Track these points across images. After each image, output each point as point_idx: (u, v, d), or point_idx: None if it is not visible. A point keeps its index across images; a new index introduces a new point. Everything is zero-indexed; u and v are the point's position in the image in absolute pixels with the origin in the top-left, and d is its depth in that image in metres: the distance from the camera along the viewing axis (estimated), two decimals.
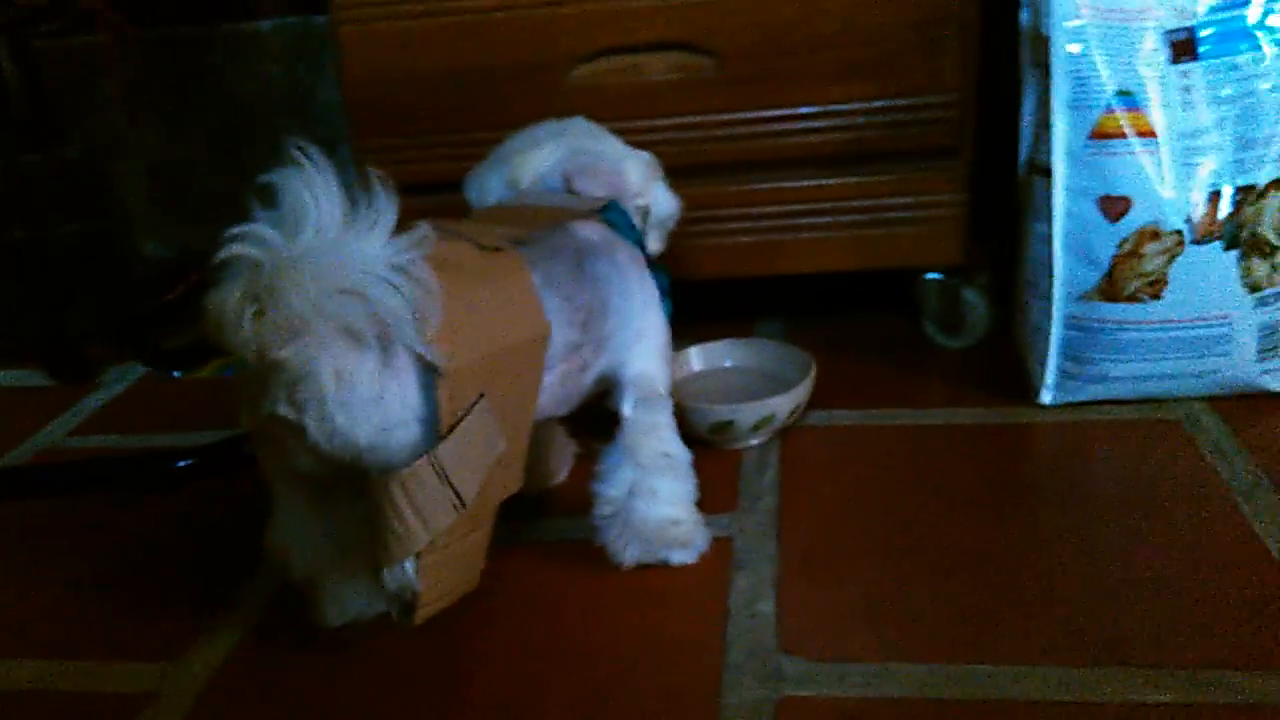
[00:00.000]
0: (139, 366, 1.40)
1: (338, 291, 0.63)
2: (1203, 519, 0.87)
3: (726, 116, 1.17)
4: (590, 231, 0.85)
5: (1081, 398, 1.08)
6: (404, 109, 1.19)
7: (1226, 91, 0.98)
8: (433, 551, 0.70)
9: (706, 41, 1.14)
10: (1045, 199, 1.05)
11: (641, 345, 0.85)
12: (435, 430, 0.69)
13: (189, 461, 1.08)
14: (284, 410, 0.67)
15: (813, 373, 1.07)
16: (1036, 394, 1.10)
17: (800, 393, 1.05)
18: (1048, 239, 1.06)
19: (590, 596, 0.84)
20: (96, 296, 1.48)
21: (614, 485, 0.85)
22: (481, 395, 0.71)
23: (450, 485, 0.71)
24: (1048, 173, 1.04)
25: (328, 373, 0.66)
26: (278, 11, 1.64)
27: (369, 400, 0.68)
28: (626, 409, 0.84)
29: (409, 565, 0.71)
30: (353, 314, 0.64)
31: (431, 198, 1.17)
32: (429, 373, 0.68)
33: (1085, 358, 1.06)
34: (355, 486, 0.72)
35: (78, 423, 1.28)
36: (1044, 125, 1.06)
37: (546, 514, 0.97)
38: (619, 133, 1.14)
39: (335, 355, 0.66)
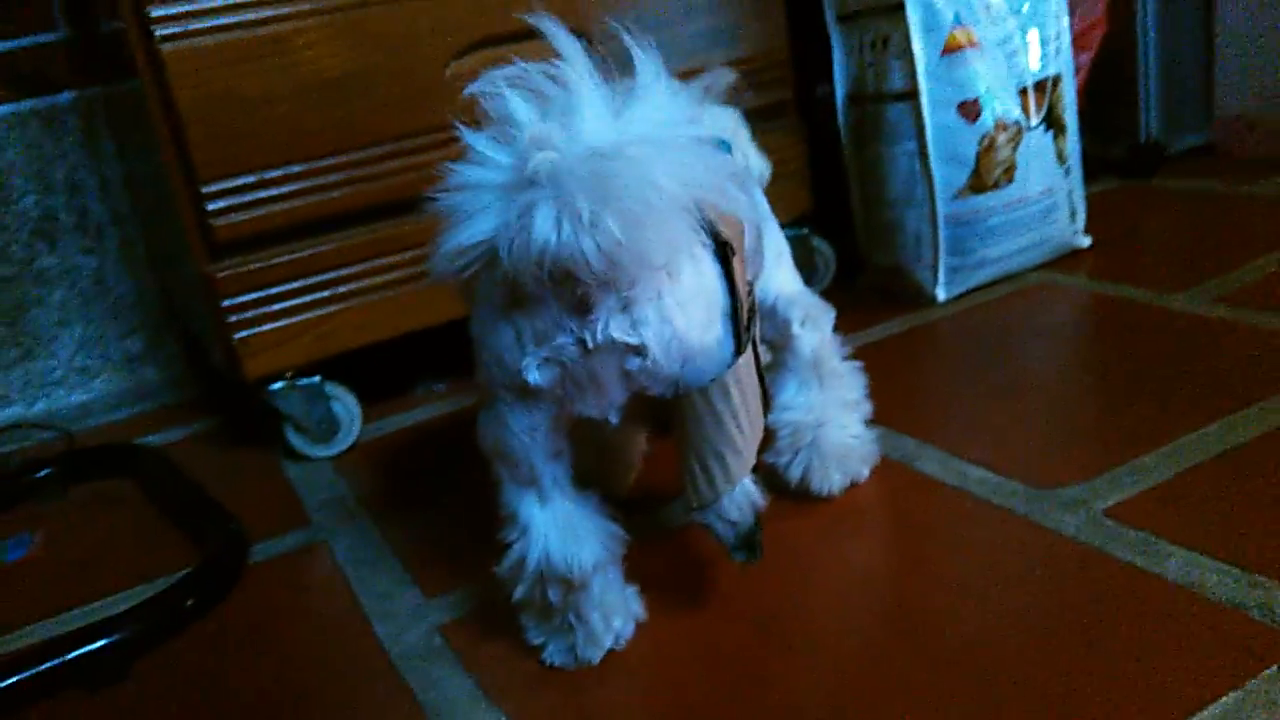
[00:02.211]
0: None
1: (654, 184, 0.53)
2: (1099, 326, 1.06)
3: None
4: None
5: (967, 286, 1.23)
6: (254, 139, 0.97)
7: (1021, 5, 1.19)
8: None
9: (577, 25, 1.10)
10: (904, 119, 1.19)
11: (784, 265, 0.81)
12: (732, 320, 0.61)
13: None
14: (617, 331, 0.56)
15: None
16: (930, 294, 1.22)
17: None
18: (915, 153, 1.19)
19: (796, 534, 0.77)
20: None
21: (802, 411, 0.79)
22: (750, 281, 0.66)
23: (761, 378, 0.64)
24: (899, 98, 1.19)
25: (662, 276, 0.57)
26: None
27: (693, 297, 0.59)
28: (795, 328, 0.79)
29: (750, 483, 0.62)
30: (671, 206, 0.54)
31: (300, 244, 0.98)
32: (722, 258, 0.60)
33: (967, 249, 1.21)
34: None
35: None
36: (869, 65, 1.21)
37: (659, 504, 0.86)
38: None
39: (665, 254, 0.55)
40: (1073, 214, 1.28)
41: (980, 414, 0.91)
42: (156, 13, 0.91)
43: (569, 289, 0.55)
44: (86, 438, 1.27)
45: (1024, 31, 1.19)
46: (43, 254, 1.33)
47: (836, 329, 0.81)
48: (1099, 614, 0.63)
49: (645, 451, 0.88)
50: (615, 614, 0.67)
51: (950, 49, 1.16)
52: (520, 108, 0.55)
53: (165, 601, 0.78)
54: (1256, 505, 0.71)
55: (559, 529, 0.63)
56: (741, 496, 0.63)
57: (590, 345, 0.56)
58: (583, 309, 0.56)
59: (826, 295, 0.83)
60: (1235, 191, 1.43)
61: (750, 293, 0.64)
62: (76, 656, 0.70)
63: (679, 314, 0.57)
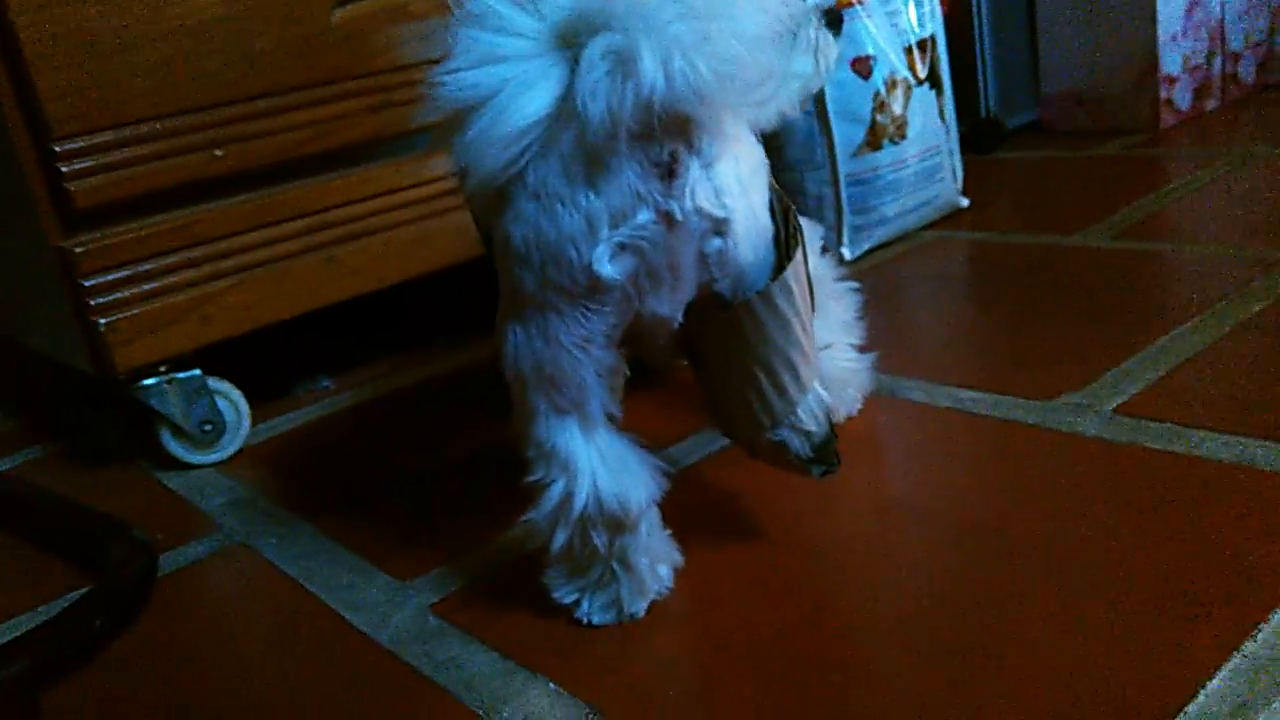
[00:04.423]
0: None
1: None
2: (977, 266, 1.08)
3: None
4: None
5: (869, 245, 1.23)
6: (117, 89, 0.82)
7: None
8: None
9: None
10: None
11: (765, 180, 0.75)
12: (772, 214, 0.56)
13: None
14: (704, 199, 0.50)
15: None
16: (836, 253, 1.21)
17: None
18: (814, 113, 1.18)
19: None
20: None
21: None
22: None
23: (809, 279, 0.60)
24: None
25: (733, 140, 0.52)
26: None
27: (756, 170, 0.55)
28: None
29: (819, 387, 0.56)
30: (770, 28, 0.48)
31: (175, 212, 0.85)
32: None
33: (868, 207, 1.21)
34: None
35: None
36: None
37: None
38: (384, 89, 0.96)
39: (768, 88, 0.49)
40: (954, 173, 1.31)
41: (941, 349, 0.89)
42: None
43: (657, 147, 0.48)
44: None
45: None
46: None
47: None
48: (1163, 501, 0.60)
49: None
50: (660, 560, 0.59)
51: (842, 5, 1.15)
52: None
53: (69, 622, 0.62)
54: (1268, 384, 0.71)
55: (606, 463, 0.55)
56: (815, 403, 0.57)
57: (678, 216, 0.49)
58: (668, 172, 0.48)
59: None
60: (1080, 156, 1.51)
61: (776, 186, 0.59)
62: None
63: (752, 183, 0.52)
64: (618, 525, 0.54)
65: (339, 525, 0.76)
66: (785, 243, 0.56)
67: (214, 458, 0.93)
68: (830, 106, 1.17)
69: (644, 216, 0.49)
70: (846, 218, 1.20)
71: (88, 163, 0.82)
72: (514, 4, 0.48)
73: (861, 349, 0.77)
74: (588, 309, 0.52)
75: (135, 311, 0.85)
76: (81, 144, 0.81)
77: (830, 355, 0.74)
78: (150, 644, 0.64)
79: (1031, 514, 0.61)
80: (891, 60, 1.18)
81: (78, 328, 0.85)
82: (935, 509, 0.64)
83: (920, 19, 1.22)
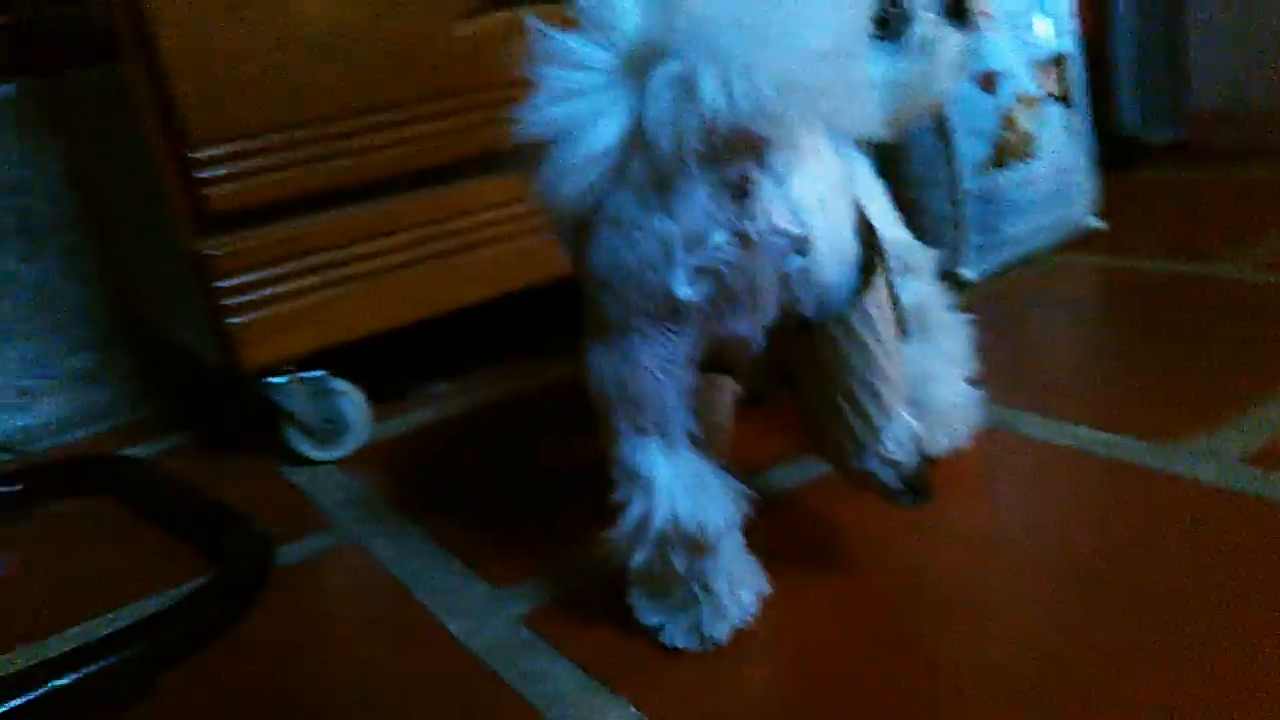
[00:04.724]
0: None
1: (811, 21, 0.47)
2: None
3: None
4: None
5: (992, 265, 1.19)
6: (248, 100, 0.87)
7: None
8: None
9: None
10: None
11: (878, 202, 0.74)
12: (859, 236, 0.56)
13: None
14: (780, 218, 0.50)
15: None
16: (957, 274, 1.17)
17: None
18: (936, 129, 1.15)
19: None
20: None
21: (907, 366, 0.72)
22: None
23: (897, 302, 0.59)
24: None
25: (811, 153, 0.52)
26: None
27: (837, 185, 0.54)
28: (893, 276, 0.72)
29: (907, 415, 0.56)
30: (836, 45, 0.48)
31: (299, 220, 0.89)
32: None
33: (992, 227, 1.17)
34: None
35: None
36: None
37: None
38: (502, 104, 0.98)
39: (834, 101, 0.49)
40: (1087, 194, 1.25)
41: (1062, 381, 0.86)
42: None
43: (728, 168, 0.48)
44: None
45: (1033, 7, 1.17)
46: None
47: None
48: None
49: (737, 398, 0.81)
50: (742, 585, 0.58)
51: None
52: None
53: (191, 608, 0.66)
54: None
55: (685, 485, 0.55)
56: (902, 431, 0.56)
57: (754, 236, 0.49)
58: (741, 192, 0.49)
59: None
60: (1227, 178, 1.43)
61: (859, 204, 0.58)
62: (97, 670, 0.58)
63: (833, 199, 0.51)
64: (695, 546, 0.55)
65: (444, 528, 0.78)
66: (867, 264, 0.55)
67: (335, 455, 0.97)
68: (953, 121, 1.14)
69: (719, 238, 0.49)
70: (969, 237, 1.17)
71: (221, 170, 0.86)
72: (587, 38, 0.49)
73: (980, 378, 0.75)
74: (668, 331, 0.52)
75: (261, 314, 0.90)
76: (216, 152, 0.86)
77: (937, 387, 0.72)
78: (262, 635, 0.67)
79: (1141, 565, 0.58)
80: (1020, 75, 1.15)
81: (209, 326, 0.90)
82: (1038, 550, 0.61)
83: (1052, 33, 1.18)
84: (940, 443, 0.73)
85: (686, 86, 0.45)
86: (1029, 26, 1.16)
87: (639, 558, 0.56)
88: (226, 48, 0.85)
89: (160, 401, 1.27)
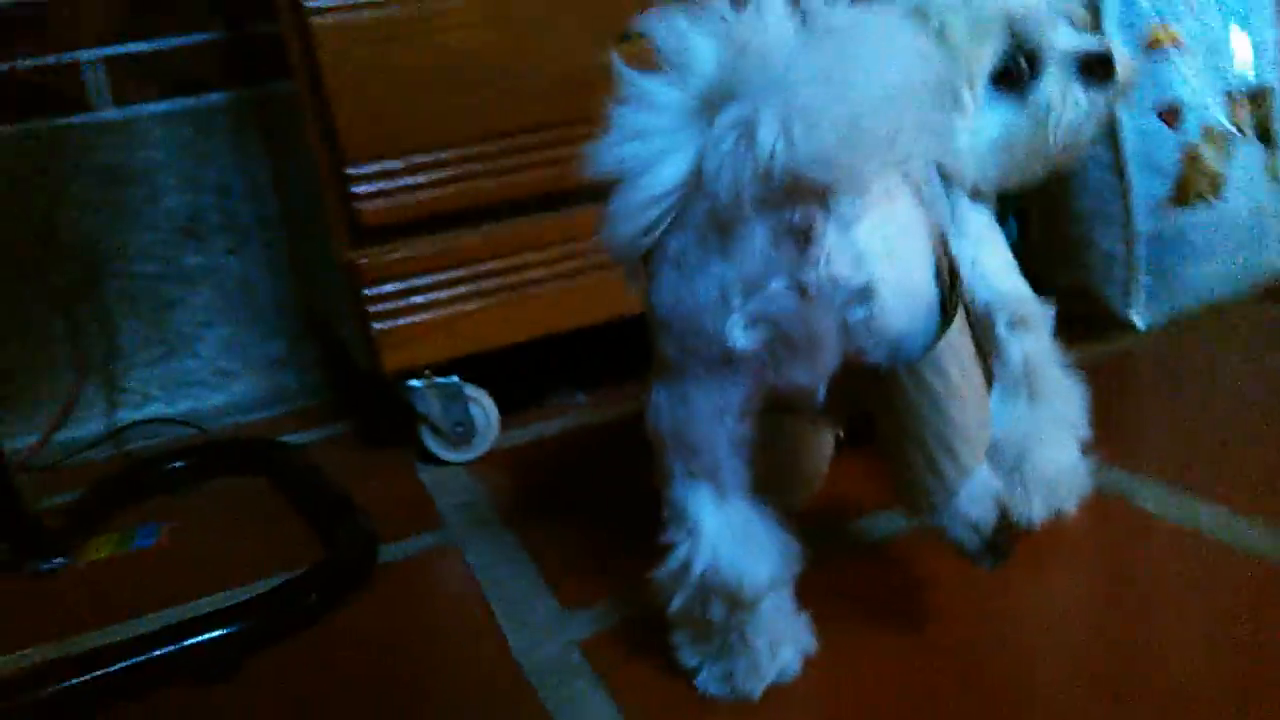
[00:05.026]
0: None
1: (879, 65, 0.46)
2: None
3: None
4: None
5: (1165, 311, 1.10)
6: (402, 121, 0.93)
7: (1229, 5, 1.07)
8: None
9: None
10: None
11: (991, 250, 0.71)
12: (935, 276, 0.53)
13: None
14: (841, 266, 0.49)
15: None
16: (1125, 319, 1.10)
17: None
18: (1110, 164, 1.08)
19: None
20: None
21: (1004, 427, 0.69)
22: None
23: (980, 347, 0.57)
24: None
25: (881, 198, 0.51)
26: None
27: (912, 230, 0.53)
28: (1002, 330, 0.69)
29: (988, 473, 0.54)
30: (903, 88, 0.47)
31: (444, 235, 0.93)
32: None
33: (1168, 270, 1.09)
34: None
35: None
36: None
37: (837, 518, 0.77)
38: None
39: (903, 147, 0.48)
40: None
41: (1208, 451, 0.79)
42: None
43: (788, 213, 0.48)
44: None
45: (1232, 35, 1.07)
46: (189, 253, 1.33)
47: None
48: None
49: (832, 456, 0.80)
50: (783, 643, 0.58)
51: (1153, 44, 1.04)
52: (698, 40, 0.49)
53: (285, 596, 0.72)
54: None
55: (733, 535, 0.55)
56: (980, 490, 0.54)
57: (812, 285, 0.48)
58: (802, 238, 0.48)
59: None
60: None
61: (946, 251, 0.56)
62: (187, 647, 0.65)
63: (904, 246, 0.50)
64: (734, 600, 0.54)
65: (537, 540, 0.81)
66: (946, 312, 0.53)
67: (464, 457, 1.02)
68: (1129, 155, 1.06)
69: (777, 285, 0.49)
70: (1140, 280, 1.09)
71: (374, 187, 0.93)
72: (663, 79, 0.50)
73: (1105, 438, 0.70)
74: (724, 378, 0.52)
75: (405, 321, 0.96)
76: (371, 169, 0.92)
77: (1042, 450, 0.68)
78: (349, 628, 0.73)
79: (1229, 665, 0.53)
80: (1209, 108, 1.05)
81: (358, 329, 0.97)
82: (1118, 636, 0.58)
83: (1255, 66, 1.08)
84: (1037, 508, 0.69)
85: (748, 130, 0.45)
86: (1227, 54, 1.07)
87: (678, 601, 0.57)
88: (382, 74, 0.91)
89: (336, 391, 1.38)
